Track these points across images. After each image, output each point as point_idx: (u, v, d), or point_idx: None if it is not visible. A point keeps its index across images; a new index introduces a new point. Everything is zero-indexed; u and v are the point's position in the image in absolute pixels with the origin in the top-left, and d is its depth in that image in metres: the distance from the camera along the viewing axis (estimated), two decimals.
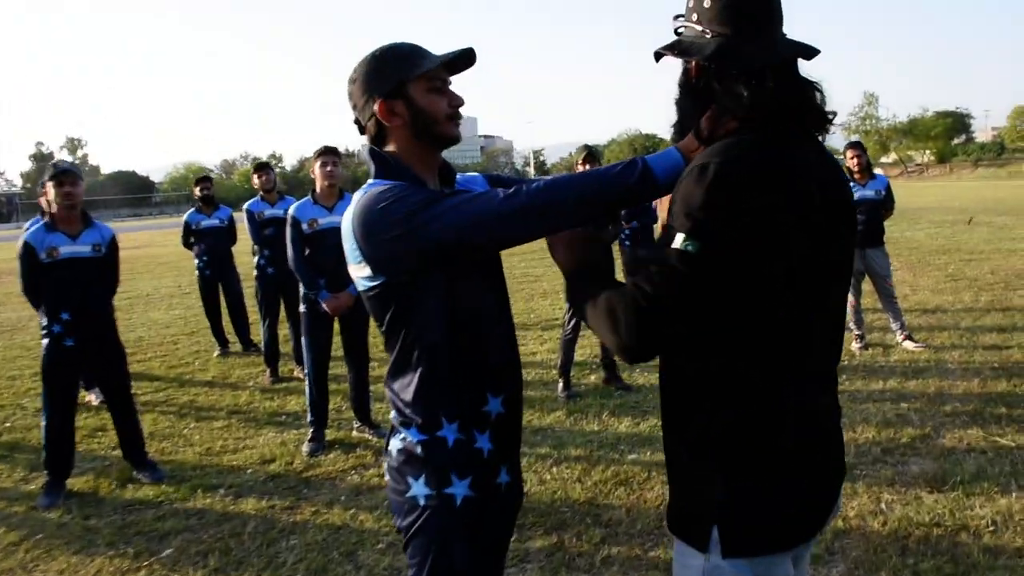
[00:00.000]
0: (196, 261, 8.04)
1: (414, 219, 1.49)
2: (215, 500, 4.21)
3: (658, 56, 1.56)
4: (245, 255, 8.46)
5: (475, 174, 1.93)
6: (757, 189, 1.33)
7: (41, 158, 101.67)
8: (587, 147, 6.29)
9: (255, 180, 7.04)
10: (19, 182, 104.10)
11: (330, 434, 5.09)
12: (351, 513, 3.90)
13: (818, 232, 1.39)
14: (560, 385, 5.73)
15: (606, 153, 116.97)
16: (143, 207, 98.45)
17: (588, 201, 1.49)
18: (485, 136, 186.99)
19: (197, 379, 7.08)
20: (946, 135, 76.32)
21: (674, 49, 1.50)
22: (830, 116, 1.50)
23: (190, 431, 5.49)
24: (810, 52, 1.51)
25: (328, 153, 5.09)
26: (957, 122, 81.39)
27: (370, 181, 1.68)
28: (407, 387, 1.65)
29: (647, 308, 1.33)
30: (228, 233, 7.99)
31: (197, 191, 7.96)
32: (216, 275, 8.01)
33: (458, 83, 1.72)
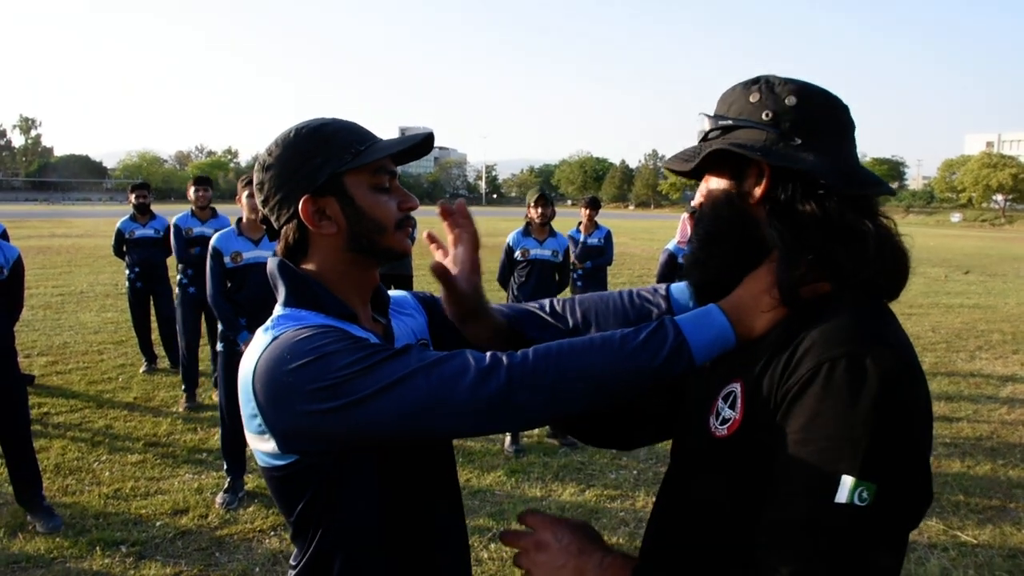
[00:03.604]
0: (127, 272, 7.59)
1: (346, 390, 1.03)
2: (114, 561, 3.78)
3: (696, 172, 1.14)
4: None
5: (402, 294, 1.46)
6: (925, 396, 0.97)
7: None
8: (541, 190, 6.07)
9: (190, 193, 6.64)
10: None
11: (251, 481, 4.68)
12: None
13: None
14: (508, 438, 5.39)
15: (556, 173, 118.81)
16: (94, 192, 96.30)
17: (598, 387, 1.03)
18: (439, 148, 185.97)
19: (118, 399, 6.58)
20: None
21: (752, 148, 1.04)
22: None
23: (100, 465, 5.04)
24: (885, 190, 1.12)
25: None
26: (892, 169, 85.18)
27: (279, 312, 1.21)
28: None
29: None
30: (163, 244, 7.50)
31: (132, 198, 7.49)
32: (148, 288, 7.57)
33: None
